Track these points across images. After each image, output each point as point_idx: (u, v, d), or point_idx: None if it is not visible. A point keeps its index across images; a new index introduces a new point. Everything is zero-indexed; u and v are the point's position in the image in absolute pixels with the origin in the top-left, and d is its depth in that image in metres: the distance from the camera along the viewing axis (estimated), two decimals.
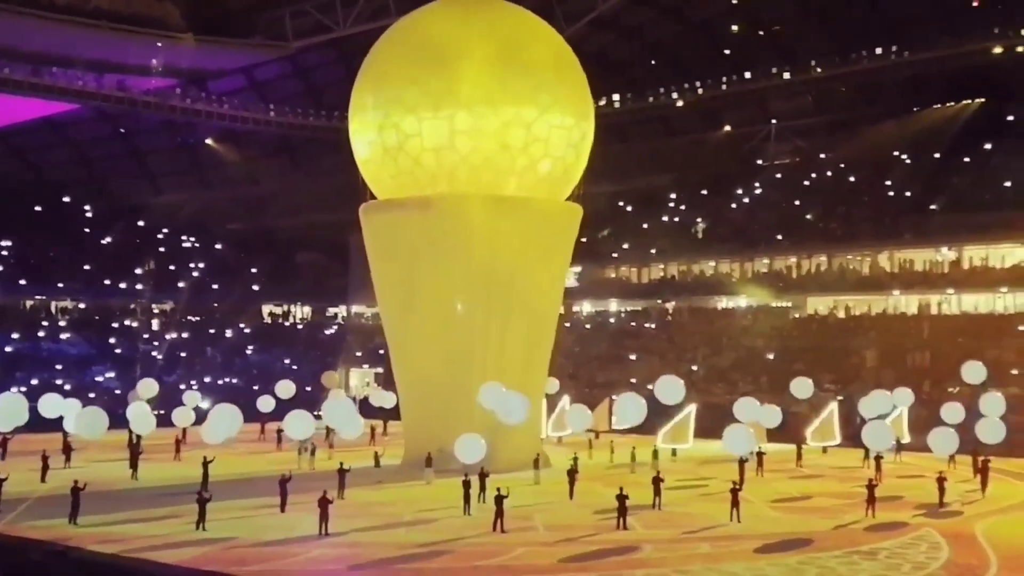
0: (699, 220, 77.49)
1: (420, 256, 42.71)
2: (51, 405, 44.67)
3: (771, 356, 62.60)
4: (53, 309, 73.21)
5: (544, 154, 42.61)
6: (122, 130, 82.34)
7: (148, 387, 51.81)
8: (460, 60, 41.68)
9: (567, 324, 67.57)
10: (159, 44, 73.53)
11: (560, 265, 45.63)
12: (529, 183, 42.83)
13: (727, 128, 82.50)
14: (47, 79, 71.36)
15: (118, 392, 59.11)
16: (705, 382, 60.57)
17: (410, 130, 41.77)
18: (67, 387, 55.84)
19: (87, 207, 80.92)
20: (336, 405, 42.22)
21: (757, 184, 79.16)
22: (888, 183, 72.34)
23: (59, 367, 64.39)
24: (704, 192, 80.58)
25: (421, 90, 41.48)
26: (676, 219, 79.02)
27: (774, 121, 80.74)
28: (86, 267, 73.48)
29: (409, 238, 42.87)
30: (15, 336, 67.14)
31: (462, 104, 41.23)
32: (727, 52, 78.85)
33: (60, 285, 72.67)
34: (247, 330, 76.39)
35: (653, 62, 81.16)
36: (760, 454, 41.94)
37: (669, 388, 42.48)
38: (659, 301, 74.11)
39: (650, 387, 46.07)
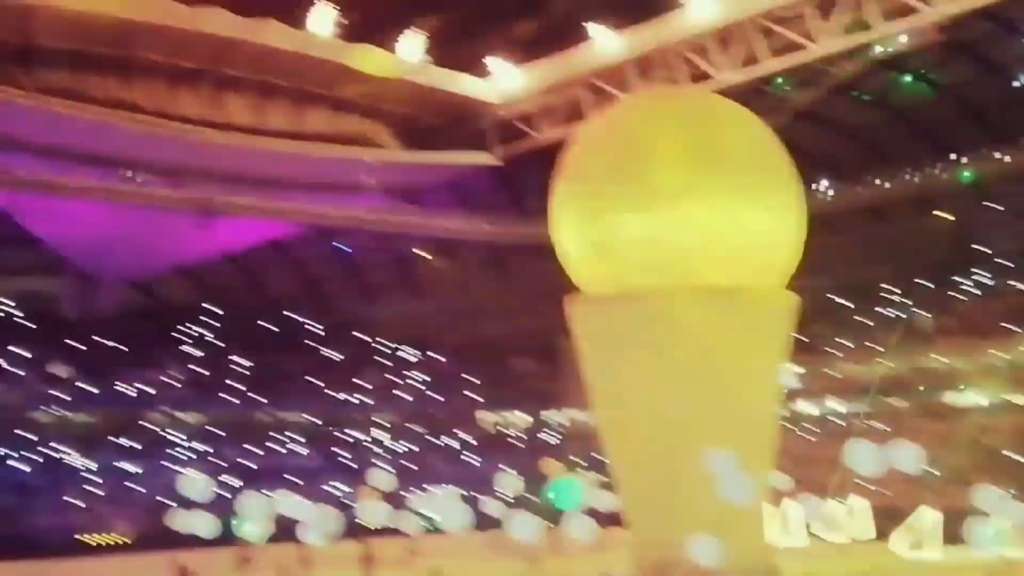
0: (922, 312, 74.28)
1: (628, 350, 42.22)
2: (290, 505, 46.39)
3: (1018, 457, 58.61)
4: (285, 423, 75.86)
5: (752, 242, 41.72)
6: (339, 247, 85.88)
7: (380, 478, 52.79)
8: (658, 151, 41.36)
9: (790, 425, 65.57)
10: (370, 161, 76.83)
11: (776, 357, 44.19)
12: (739, 273, 41.94)
13: (943, 215, 79.43)
14: (270, 202, 75.05)
15: (349, 504, 60.69)
16: (942, 485, 57.32)
17: (612, 224, 41.63)
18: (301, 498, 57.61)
19: (312, 323, 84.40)
20: (565, 486, 41.71)
21: (982, 272, 75.48)
22: None
23: (293, 479, 66.63)
24: (925, 282, 77.36)
25: (621, 183, 41.35)
26: (898, 312, 75.98)
27: (993, 205, 77.23)
28: (314, 381, 76.30)
29: (616, 332, 42.48)
30: (252, 450, 69.88)
31: (663, 195, 40.85)
32: (936, 137, 76.55)
33: (291, 399, 75.51)
34: (468, 438, 77.51)
35: (859, 150, 79.49)
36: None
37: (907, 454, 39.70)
38: (886, 399, 71.02)
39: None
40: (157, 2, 65.53)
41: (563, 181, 45.71)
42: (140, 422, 69.28)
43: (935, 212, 78.82)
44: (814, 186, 74.58)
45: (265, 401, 74.02)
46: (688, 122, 42.71)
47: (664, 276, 42.00)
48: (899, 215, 79.98)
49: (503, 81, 77.89)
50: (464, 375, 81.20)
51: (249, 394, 73.50)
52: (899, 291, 77.17)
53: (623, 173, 41.92)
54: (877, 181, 77.78)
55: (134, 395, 70.48)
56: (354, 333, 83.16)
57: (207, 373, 74.46)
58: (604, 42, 73.05)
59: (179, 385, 72.76)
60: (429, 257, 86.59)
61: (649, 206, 41.39)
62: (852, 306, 78.00)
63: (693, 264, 41.60)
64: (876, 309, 76.43)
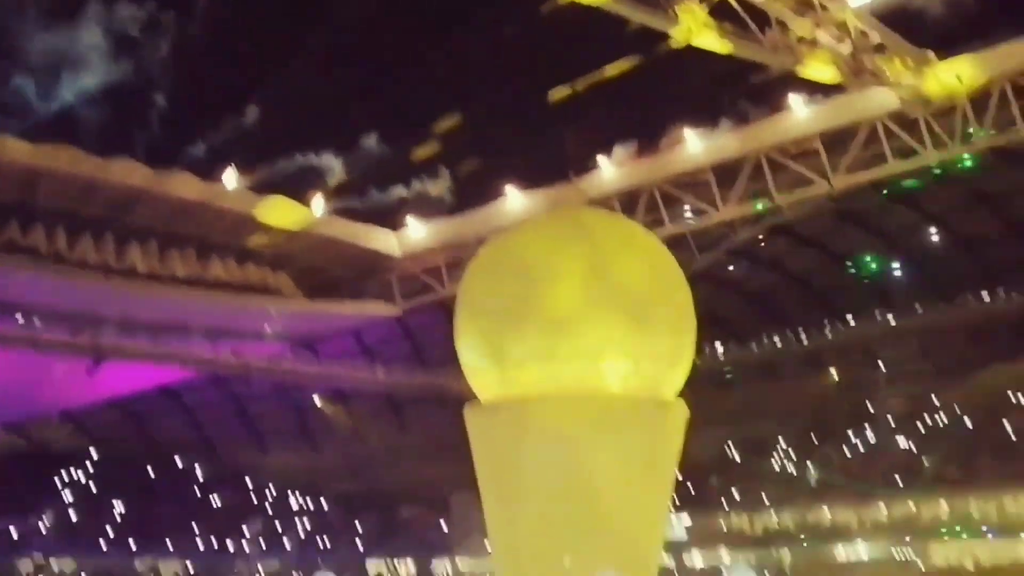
0: (811, 467, 75.38)
1: (515, 462, 41.48)
2: None
3: None
4: (162, 571, 73.11)
5: (646, 357, 41.87)
6: (234, 394, 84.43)
7: None
8: (551, 276, 41.37)
9: None
10: (272, 310, 75.82)
11: (664, 474, 43.75)
12: (631, 387, 42.01)
13: (834, 375, 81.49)
14: (164, 347, 73.28)
15: None
16: None
17: (508, 345, 41.45)
18: None
19: (197, 469, 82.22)
20: None
21: (869, 430, 77.24)
22: (1008, 425, 69.91)
23: None
24: (815, 439, 78.72)
25: (514, 309, 41.18)
26: (787, 466, 76.97)
27: (881, 366, 79.54)
28: (195, 528, 73.90)
29: (505, 442, 41.91)
30: None
31: (555, 320, 40.87)
32: (828, 299, 79.26)
33: (169, 547, 72.67)
34: None
35: (754, 312, 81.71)
36: None
37: None
38: (774, 552, 71.21)
39: None
40: (67, 151, 63.76)
41: (460, 301, 45.37)
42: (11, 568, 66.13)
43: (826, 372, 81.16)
44: (707, 348, 76.15)
45: (142, 548, 71.43)
46: (583, 248, 42.84)
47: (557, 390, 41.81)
48: (790, 374, 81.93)
49: (409, 235, 78.29)
50: (352, 524, 79.39)
51: (128, 541, 70.80)
52: (790, 446, 78.51)
53: (514, 299, 41.49)
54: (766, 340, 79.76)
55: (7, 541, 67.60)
56: (241, 480, 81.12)
57: (84, 519, 71.89)
58: (512, 201, 73.95)
59: (54, 531, 70.06)
60: (324, 406, 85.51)
61: (539, 332, 41.13)
62: (744, 461, 78.88)
63: (585, 383, 41.30)
64: (768, 464, 77.37)
